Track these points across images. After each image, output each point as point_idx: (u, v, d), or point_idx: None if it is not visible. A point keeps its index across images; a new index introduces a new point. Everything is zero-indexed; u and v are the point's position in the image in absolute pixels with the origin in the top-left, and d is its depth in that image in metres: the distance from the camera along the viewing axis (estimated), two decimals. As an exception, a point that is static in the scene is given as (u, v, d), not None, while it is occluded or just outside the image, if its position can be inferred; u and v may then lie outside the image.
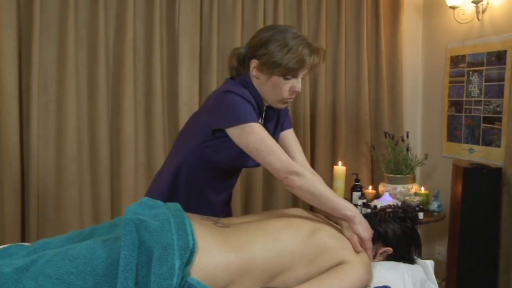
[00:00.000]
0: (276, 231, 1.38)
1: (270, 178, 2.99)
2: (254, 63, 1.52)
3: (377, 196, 3.01)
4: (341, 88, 3.21)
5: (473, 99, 3.02)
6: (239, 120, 1.45)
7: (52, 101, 2.57)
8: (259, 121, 1.61)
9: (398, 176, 3.00)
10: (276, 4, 3.00)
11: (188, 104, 2.82)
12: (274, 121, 1.68)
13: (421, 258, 1.65)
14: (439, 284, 1.68)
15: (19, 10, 2.50)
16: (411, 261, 1.60)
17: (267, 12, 3.00)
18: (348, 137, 3.28)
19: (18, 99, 2.51)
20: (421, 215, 2.69)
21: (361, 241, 1.46)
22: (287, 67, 1.47)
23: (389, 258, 1.57)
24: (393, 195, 2.89)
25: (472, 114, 3.03)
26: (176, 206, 1.36)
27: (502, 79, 2.80)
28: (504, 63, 2.78)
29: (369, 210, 2.55)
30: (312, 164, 3.06)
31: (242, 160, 1.55)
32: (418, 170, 3.28)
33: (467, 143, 3.09)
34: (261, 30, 1.59)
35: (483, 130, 2.96)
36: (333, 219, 1.58)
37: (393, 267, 1.53)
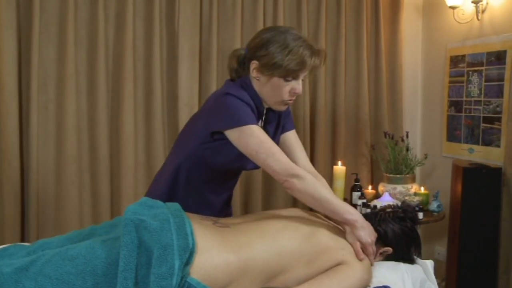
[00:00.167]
0: (276, 231, 1.38)
1: (270, 179, 2.98)
2: (254, 64, 1.51)
3: (377, 196, 3.01)
4: (340, 88, 3.21)
5: (472, 99, 3.02)
6: (238, 122, 1.44)
7: (51, 100, 2.57)
8: (259, 123, 1.61)
9: (397, 176, 3.00)
10: (276, 4, 3.00)
11: (188, 104, 2.82)
12: (275, 123, 1.67)
13: (420, 258, 1.65)
14: (438, 284, 1.68)
15: (19, 10, 2.50)
16: (411, 261, 1.60)
17: (266, 12, 3.00)
18: (347, 137, 3.28)
19: (17, 98, 2.51)
20: (420, 215, 2.69)
21: (363, 246, 1.44)
22: (287, 68, 1.47)
23: (389, 258, 1.57)
24: (392, 195, 2.89)
25: (472, 114, 3.03)
26: (175, 206, 1.36)
27: (502, 79, 2.80)
28: (504, 63, 2.78)
29: (368, 210, 2.55)
30: (312, 164, 3.02)
31: (241, 162, 1.54)
32: (417, 170, 3.28)
33: (466, 143, 3.09)
34: (261, 31, 1.58)
35: (482, 130, 2.96)
36: (333, 220, 1.58)
37: (393, 267, 1.53)
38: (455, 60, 3.15)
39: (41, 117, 2.54)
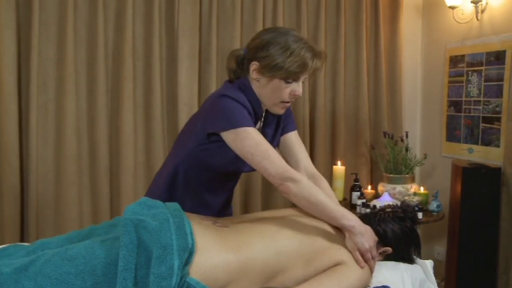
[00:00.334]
0: (275, 231, 1.38)
1: (269, 178, 2.98)
2: (254, 65, 1.50)
3: (377, 196, 3.01)
4: (340, 88, 3.21)
5: (472, 99, 3.02)
6: (234, 124, 1.43)
7: (51, 100, 2.57)
8: (258, 125, 1.60)
9: (397, 176, 3.00)
10: (276, 3, 3.00)
11: (188, 103, 2.81)
12: (274, 125, 1.65)
13: (420, 258, 1.65)
14: (438, 284, 1.68)
15: (18, 10, 2.49)
16: (410, 261, 1.60)
17: (266, 11, 3.00)
18: (347, 137, 3.28)
19: (17, 98, 2.51)
20: (420, 215, 2.69)
21: (361, 252, 1.41)
22: (289, 70, 1.45)
23: (388, 258, 1.57)
24: (392, 195, 2.89)
25: (471, 114, 3.04)
26: (175, 206, 1.36)
27: (501, 79, 2.80)
28: (503, 63, 2.78)
29: (368, 210, 2.55)
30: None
31: (237, 165, 1.52)
32: (417, 170, 3.28)
33: (466, 143, 3.09)
34: (261, 32, 1.57)
35: (482, 130, 2.96)
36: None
37: (393, 267, 1.53)
38: (455, 60, 3.15)
39: (40, 117, 2.54)
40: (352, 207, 2.91)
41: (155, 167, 2.68)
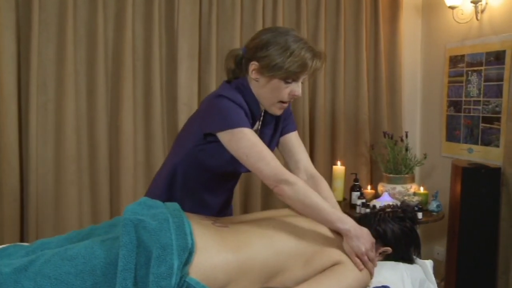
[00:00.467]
0: (274, 231, 1.38)
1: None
2: (253, 65, 1.49)
3: (376, 196, 3.01)
4: (340, 88, 3.21)
5: (472, 99, 3.02)
6: (230, 125, 1.42)
7: (51, 100, 2.57)
8: (256, 125, 1.59)
9: (397, 176, 3.00)
10: (275, 3, 3.00)
11: (187, 103, 2.81)
12: (272, 126, 1.65)
13: (420, 258, 1.65)
14: (438, 284, 1.68)
15: (18, 10, 2.49)
16: (410, 261, 1.60)
17: (266, 11, 3.00)
18: (347, 137, 3.28)
19: (17, 98, 2.51)
20: (420, 215, 2.69)
21: (359, 256, 1.40)
22: (288, 70, 1.44)
23: (388, 258, 1.57)
24: (392, 195, 2.89)
25: (471, 114, 3.04)
26: (175, 205, 1.36)
27: (501, 79, 2.80)
28: (503, 63, 2.78)
29: (368, 210, 2.55)
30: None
31: (234, 165, 1.51)
32: (417, 170, 3.28)
33: (466, 143, 3.09)
34: (261, 31, 1.56)
35: (482, 130, 2.96)
36: None
37: (392, 267, 1.53)
38: (455, 60, 3.15)
39: (40, 117, 2.54)
40: (352, 207, 2.91)
41: (154, 167, 2.68)
